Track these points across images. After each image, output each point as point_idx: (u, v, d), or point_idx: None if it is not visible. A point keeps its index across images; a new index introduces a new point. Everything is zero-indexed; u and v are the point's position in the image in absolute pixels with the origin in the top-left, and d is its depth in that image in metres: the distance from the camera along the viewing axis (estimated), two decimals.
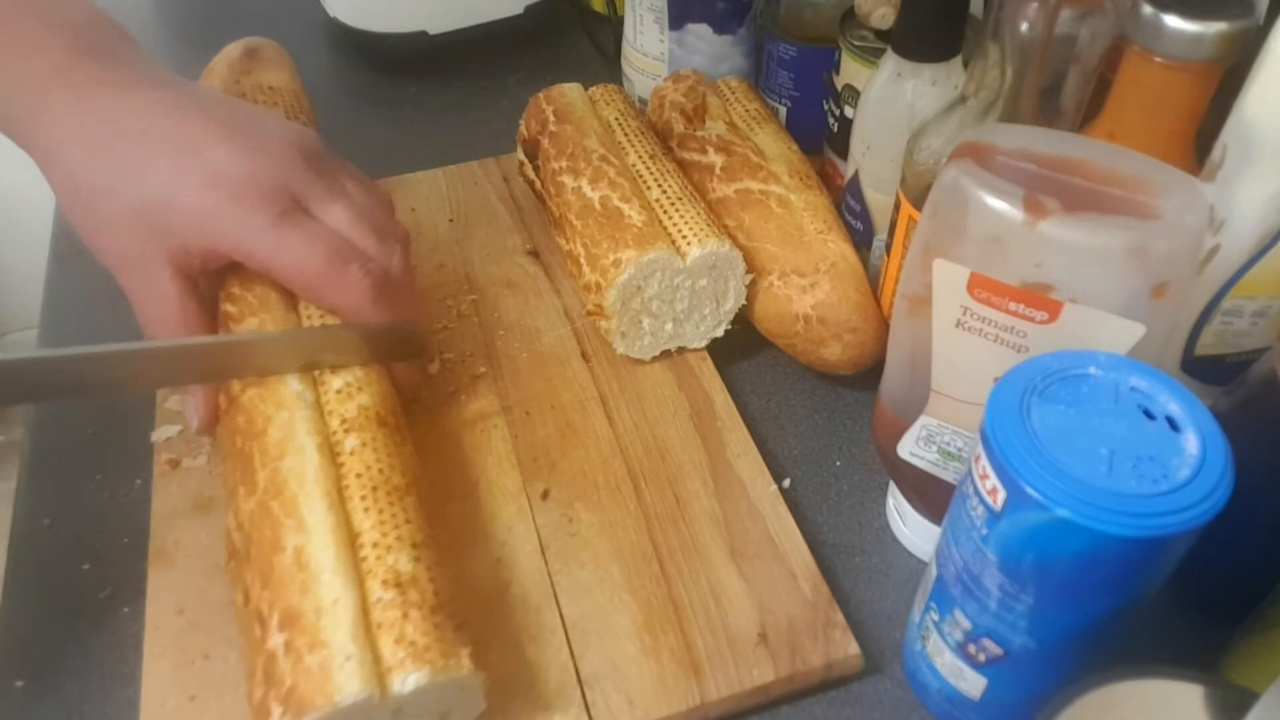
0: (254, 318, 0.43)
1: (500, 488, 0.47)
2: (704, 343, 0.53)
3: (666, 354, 0.53)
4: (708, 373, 0.52)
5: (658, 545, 0.44)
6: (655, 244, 0.49)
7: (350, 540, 0.37)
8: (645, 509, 0.46)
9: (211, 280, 0.45)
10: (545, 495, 0.46)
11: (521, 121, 0.60)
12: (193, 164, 0.41)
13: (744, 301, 0.52)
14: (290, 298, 0.45)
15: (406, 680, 0.34)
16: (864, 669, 0.41)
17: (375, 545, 0.37)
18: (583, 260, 0.51)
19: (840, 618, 0.42)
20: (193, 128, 0.42)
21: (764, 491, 0.46)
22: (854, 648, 0.41)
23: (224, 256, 0.42)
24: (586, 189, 0.52)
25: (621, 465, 0.48)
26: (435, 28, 0.73)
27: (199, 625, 0.41)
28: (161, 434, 0.48)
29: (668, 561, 0.44)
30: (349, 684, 0.33)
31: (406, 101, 0.74)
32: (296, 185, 0.43)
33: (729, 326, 0.53)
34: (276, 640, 0.34)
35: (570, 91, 0.59)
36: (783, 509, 0.46)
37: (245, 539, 0.38)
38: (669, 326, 0.51)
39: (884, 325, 0.50)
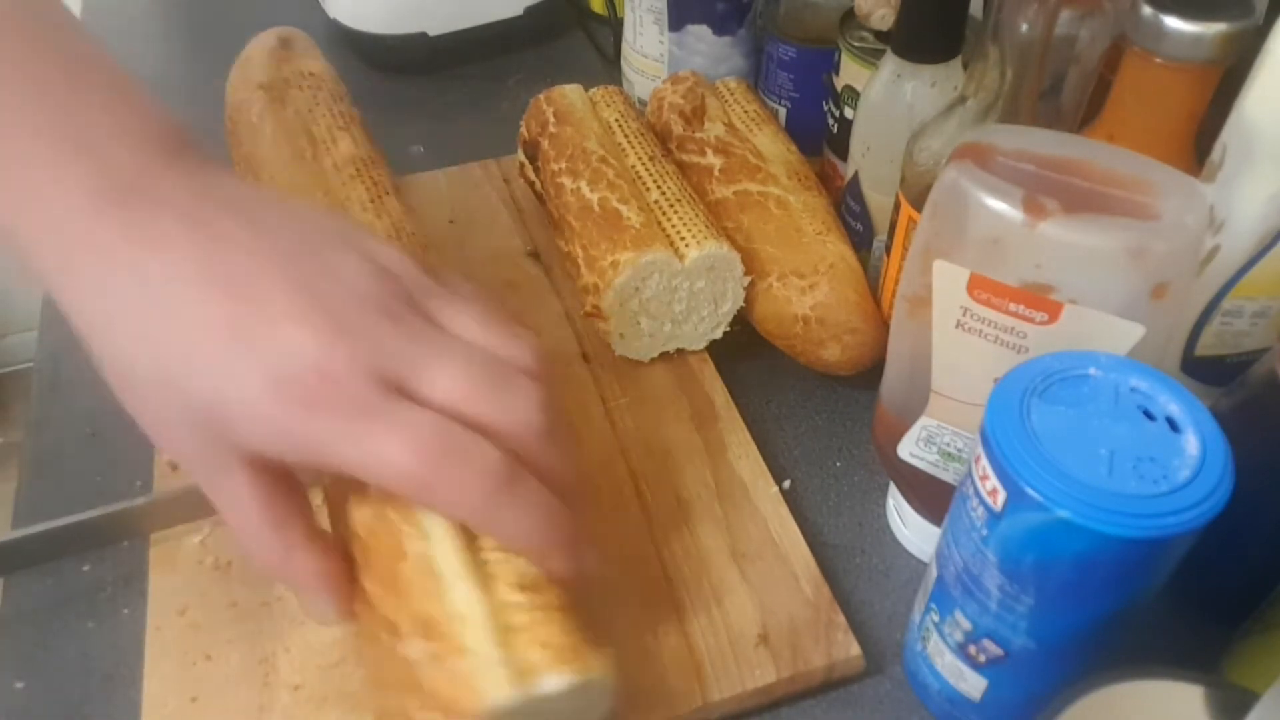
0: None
1: None
2: (702, 344, 0.53)
3: (667, 355, 0.53)
4: (708, 374, 0.52)
5: (659, 546, 0.44)
6: (653, 245, 0.49)
7: (471, 544, 0.35)
8: (647, 510, 0.46)
9: None
10: None
11: (522, 123, 0.60)
12: (252, 356, 0.31)
13: (742, 303, 0.52)
14: None
15: (549, 682, 0.33)
16: (864, 670, 0.41)
17: (496, 549, 0.35)
18: (581, 261, 0.51)
19: (842, 619, 0.42)
20: (247, 294, 0.32)
21: (765, 493, 0.46)
22: (855, 648, 0.41)
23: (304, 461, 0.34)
24: (585, 190, 0.52)
25: (623, 466, 0.48)
26: (435, 29, 0.73)
27: (200, 626, 0.41)
28: None
29: (669, 562, 0.44)
30: (494, 689, 0.32)
31: (406, 102, 0.74)
32: (385, 360, 0.33)
33: (728, 328, 0.53)
34: (411, 647, 0.33)
35: (571, 93, 0.59)
36: (784, 510, 0.46)
37: (362, 548, 0.36)
38: (667, 328, 0.51)
39: (883, 326, 0.50)
